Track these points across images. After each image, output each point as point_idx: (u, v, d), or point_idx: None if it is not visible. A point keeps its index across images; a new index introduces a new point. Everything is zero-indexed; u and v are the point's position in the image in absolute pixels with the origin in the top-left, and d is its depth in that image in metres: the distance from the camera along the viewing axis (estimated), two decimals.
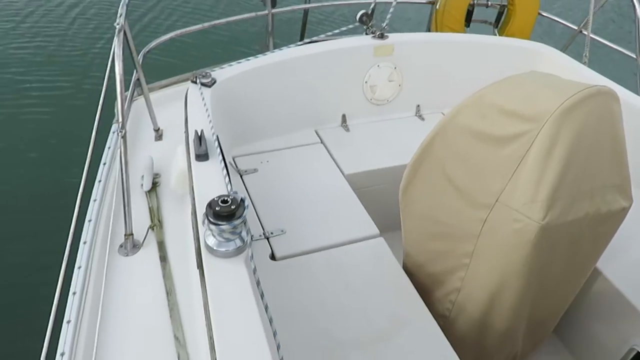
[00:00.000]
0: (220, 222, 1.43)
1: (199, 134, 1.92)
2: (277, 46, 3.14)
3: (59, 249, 1.97)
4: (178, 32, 3.22)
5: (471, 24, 4.22)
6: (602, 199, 1.74)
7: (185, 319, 1.71)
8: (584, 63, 3.16)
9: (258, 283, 1.46)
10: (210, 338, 1.32)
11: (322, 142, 2.84)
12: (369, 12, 2.98)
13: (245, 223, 1.49)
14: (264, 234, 2.21)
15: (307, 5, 4.11)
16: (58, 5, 7.40)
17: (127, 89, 2.35)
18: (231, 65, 2.60)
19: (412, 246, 2.16)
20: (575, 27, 3.88)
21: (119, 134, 1.95)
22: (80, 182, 2.08)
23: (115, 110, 2.10)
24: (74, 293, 1.76)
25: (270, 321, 1.42)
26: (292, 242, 2.19)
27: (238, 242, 1.49)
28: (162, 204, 2.17)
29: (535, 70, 2.20)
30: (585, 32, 3.43)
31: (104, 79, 2.40)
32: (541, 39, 3.38)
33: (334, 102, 2.95)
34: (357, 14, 2.94)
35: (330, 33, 3.20)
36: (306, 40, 3.12)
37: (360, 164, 2.69)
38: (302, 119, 2.89)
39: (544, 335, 2.29)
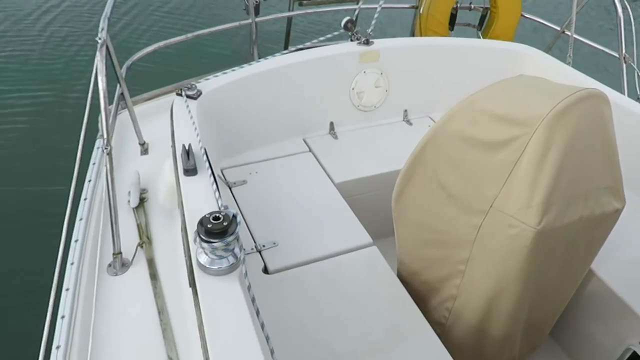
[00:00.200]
0: (212, 240, 1.40)
1: (187, 148, 1.89)
2: (261, 55, 3.12)
3: (47, 270, 1.93)
4: (161, 43, 3.18)
5: (455, 27, 4.24)
6: (596, 202, 1.74)
7: (178, 338, 1.67)
8: (568, 63, 3.18)
9: (253, 300, 1.43)
10: (207, 359, 1.28)
11: (310, 150, 2.82)
12: (354, 18, 2.97)
13: (238, 239, 1.46)
14: (255, 247, 2.18)
15: (291, 13, 4.09)
16: (43, 14, 7.31)
17: (110, 102, 2.31)
18: (216, 76, 2.56)
19: (407, 254, 2.14)
20: (558, 28, 3.91)
21: (104, 150, 1.90)
22: (67, 201, 2.04)
23: (100, 126, 2.06)
24: (63, 317, 1.71)
25: (267, 339, 1.38)
26: (285, 254, 2.16)
27: (231, 259, 1.45)
28: (150, 220, 2.13)
29: (521, 72, 2.21)
30: (568, 33, 3.45)
31: (87, 92, 2.36)
32: (524, 40, 3.39)
33: (321, 110, 2.93)
34: (341, 21, 2.93)
35: (315, 40, 3.19)
36: (291, 48, 3.10)
37: (350, 171, 2.67)
38: (289, 128, 2.86)
39: (541, 339, 2.28)
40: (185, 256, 1.61)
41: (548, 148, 1.58)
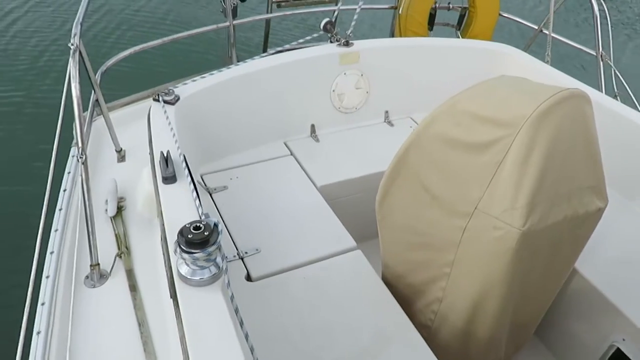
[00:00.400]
0: (193, 250, 1.36)
1: (165, 156, 1.84)
2: (240, 58, 3.08)
3: (21, 284, 1.87)
4: (137, 47, 3.11)
5: (434, 27, 4.25)
6: (580, 201, 1.74)
7: (160, 352, 1.63)
8: (547, 62, 3.20)
9: (237, 310, 1.39)
10: None
11: (292, 154, 2.79)
12: (333, 20, 2.95)
13: (220, 249, 1.42)
14: (238, 254, 2.14)
15: (269, 15, 4.06)
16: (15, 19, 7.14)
17: (85, 108, 2.25)
18: (194, 80, 2.52)
19: (391, 257, 2.12)
20: (536, 27, 3.94)
21: (79, 159, 1.85)
22: (41, 212, 1.97)
23: (74, 133, 2.00)
24: (39, 332, 1.65)
25: (252, 350, 1.35)
26: (268, 261, 2.12)
27: (213, 269, 1.42)
28: (128, 229, 2.07)
29: (501, 71, 2.21)
30: (546, 31, 3.48)
31: (60, 99, 2.29)
32: (503, 40, 3.41)
33: (302, 113, 2.90)
34: (320, 22, 2.90)
35: (294, 42, 3.16)
36: (270, 51, 3.06)
37: (333, 174, 2.65)
38: (270, 132, 2.83)
39: (526, 338, 2.28)
40: (165, 267, 1.57)
41: (532, 149, 1.57)
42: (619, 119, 2.52)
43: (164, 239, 1.59)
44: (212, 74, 2.58)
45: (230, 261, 2.10)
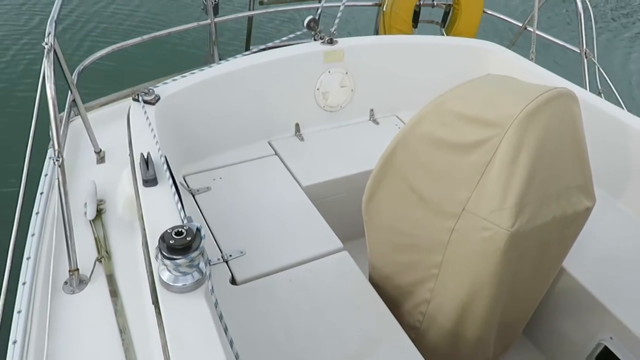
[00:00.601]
0: (175, 257, 1.31)
1: (146, 157, 1.79)
2: (222, 57, 3.02)
3: None
4: (115, 46, 3.04)
5: (419, 25, 4.23)
6: (568, 201, 1.73)
7: (142, 359, 1.58)
8: (531, 59, 3.20)
9: (221, 317, 1.35)
10: None
11: (276, 153, 2.74)
12: (316, 17, 2.90)
13: (203, 254, 1.38)
14: (222, 257, 2.09)
15: (252, 12, 4.00)
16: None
17: (62, 110, 2.18)
18: (175, 79, 2.46)
19: (378, 258, 2.10)
20: (520, 24, 3.94)
21: (55, 162, 1.79)
22: (14, 215, 1.91)
23: (50, 134, 1.93)
24: (15, 342, 1.60)
25: (237, 357, 1.31)
26: (253, 263, 2.08)
27: (196, 275, 1.37)
28: (109, 233, 2.02)
29: (486, 68, 2.19)
30: (531, 29, 3.48)
31: (34, 96, 2.21)
32: (487, 37, 3.40)
33: (286, 112, 2.85)
34: (304, 20, 2.86)
35: (277, 40, 3.11)
36: (253, 49, 3.01)
37: (318, 174, 2.61)
38: (254, 131, 2.78)
39: (514, 338, 2.27)
40: (147, 273, 1.52)
41: (520, 149, 1.55)
42: (604, 116, 2.52)
43: (145, 245, 1.54)
44: (193, 73, 2.52)
45: (214, 264, 2.05)
